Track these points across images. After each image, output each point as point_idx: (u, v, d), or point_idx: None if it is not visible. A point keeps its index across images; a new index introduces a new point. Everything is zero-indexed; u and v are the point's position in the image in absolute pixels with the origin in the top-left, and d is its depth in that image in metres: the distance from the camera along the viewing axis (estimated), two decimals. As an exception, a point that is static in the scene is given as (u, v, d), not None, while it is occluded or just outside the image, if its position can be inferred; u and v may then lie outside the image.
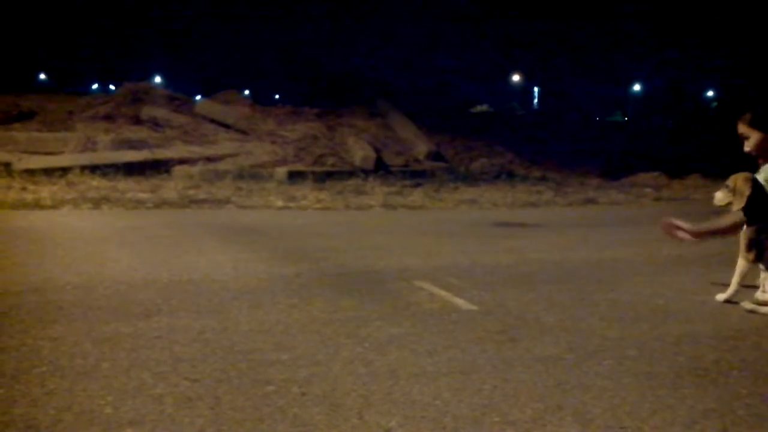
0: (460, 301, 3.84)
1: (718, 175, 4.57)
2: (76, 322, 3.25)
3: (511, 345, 3.07)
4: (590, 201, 10.90)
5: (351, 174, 12.02)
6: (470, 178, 13.25)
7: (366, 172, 12.26)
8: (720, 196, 3.96)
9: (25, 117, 12.81)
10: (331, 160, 12.70)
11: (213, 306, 3.61)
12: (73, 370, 2.63)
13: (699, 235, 4.44)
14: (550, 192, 11.78)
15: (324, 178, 11.52)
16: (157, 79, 28.58)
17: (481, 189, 11.87)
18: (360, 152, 13.03)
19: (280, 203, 8.61)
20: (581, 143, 17.75)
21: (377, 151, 13.43)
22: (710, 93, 45.48)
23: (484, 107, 33.81)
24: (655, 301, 4.03)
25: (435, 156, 14.51)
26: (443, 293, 4.03)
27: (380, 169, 12.78)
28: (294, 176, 11.45)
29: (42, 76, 33.30)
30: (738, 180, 3.87)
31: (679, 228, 4.45)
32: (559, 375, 2.70)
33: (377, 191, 10.45)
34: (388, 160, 13.48)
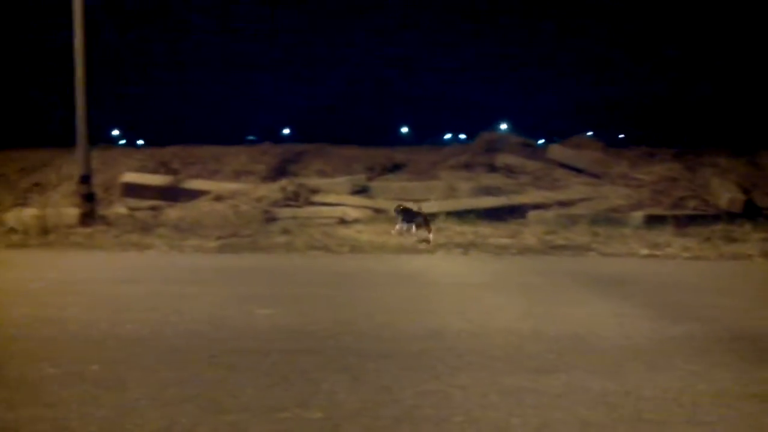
0: None
1: None
2: (479, 371, 3.46)
3: None
4: None
5: (716, 218, 11.01)
6: None
7: (733, 216, 11.11)
8: None
9: (396, 168, 14.40)
10: (692, 203, 11.81)
11: (608, 365, 3.56)
12: (486, 422, 2.79)
13: None
14: None
15: (686, 222, 10.74)
16: (503, 126, 30.06)
17: None
18: (726, 194, 11.89)
19: (644, 251, 8.22)
20: None
21: (746, 192, 12.11)
22: None
23: None
24: None
25: (820, 195, 12.52)
26: None
27: (751, 212, 11.47)
28: (652, 220, 10.90)
29: (404, 130, 38.06)
30: None
31: None
32: None
33: (752, 238, 9.38)
34: (760, 202, 12.05)
